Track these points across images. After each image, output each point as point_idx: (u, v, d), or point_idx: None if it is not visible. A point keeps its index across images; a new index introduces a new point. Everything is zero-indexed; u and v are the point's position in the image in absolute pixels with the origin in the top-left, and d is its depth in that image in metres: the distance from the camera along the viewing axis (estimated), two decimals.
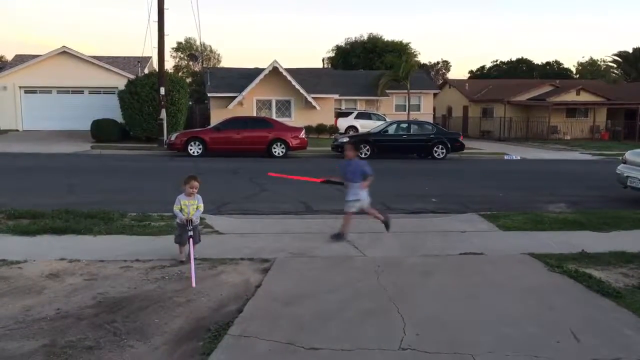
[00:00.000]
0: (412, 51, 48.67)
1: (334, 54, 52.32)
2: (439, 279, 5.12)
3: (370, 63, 45.17)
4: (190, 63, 55.52)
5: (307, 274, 5.22)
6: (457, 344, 3.65)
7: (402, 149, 20.67)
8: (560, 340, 3.75)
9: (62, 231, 6.58)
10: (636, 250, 6.08)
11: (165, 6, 20.95)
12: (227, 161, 17.13)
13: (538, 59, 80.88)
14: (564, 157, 23.05)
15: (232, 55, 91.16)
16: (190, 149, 18.76)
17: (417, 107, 35.43)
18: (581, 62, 67.91)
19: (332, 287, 4.80)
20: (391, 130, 21.05)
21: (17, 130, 26.94)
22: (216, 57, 59.27)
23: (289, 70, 28.39)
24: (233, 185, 12.04)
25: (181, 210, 5.39)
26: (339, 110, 31.31)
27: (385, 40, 48.84)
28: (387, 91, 34.01)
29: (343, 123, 29.58)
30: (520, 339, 3.76)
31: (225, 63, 56.97)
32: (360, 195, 6.54)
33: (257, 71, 29.26)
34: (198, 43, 51.81)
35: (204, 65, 47.30)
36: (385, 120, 27.81)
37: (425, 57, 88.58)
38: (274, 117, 26.55)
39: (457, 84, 44.47)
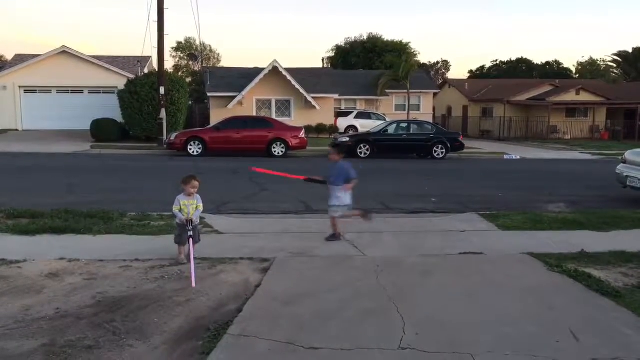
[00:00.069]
0: (412, 51, 48.67)
1: (333, 54, 52.31)
2: (439, 279, 5.12)
3: (370, 63, 45.16)
4: (190, 63, 55.52)
5: (306, 274, 5.22)
6: (457, 343, 3.65)
7: (402, 148, 20.67)
8: (559, 339, 3.75)
9: (61, 231, 6.58)
10: (636, 250, 6.09)
11: (165, 6, 20.96)
12: (226, 161, 17.12)
13: (538, 58, 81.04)
14: (564, 157, 23.05)
15: (232, 55, 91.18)
16: (190, 149, 18.76)
17: (417, 107, 35.42)
18: (581, 62, 67.99)
19: (332, 287, 4.80)
20: (391, 130, 21.05)
21: (16, 130, 26.92)
22: (216, 56, 59.31)
23: (288, 70, 28.38)
24: (233, 184, 12.05)
25: (180, 210, 5.38)
26: (338, 110, 31.30)
27: (385, 40, 48.84)
28: (387, 91, 33.99)
29: (343, 123, 29.58)
30: (519, 338, 3.76)
31: (225, 63, 57.01)
32: (342, 199, 6.47)
33: (256, 71, 29.25)
34: (198, 43, 51.85)
35: (203, 65, 47.29)
36: (385, 120, 27.80)
37: (425, 56, 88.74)
38: (273, 116, 26.53)
39: (457, 83, 44.46)
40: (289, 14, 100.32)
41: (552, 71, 59.84)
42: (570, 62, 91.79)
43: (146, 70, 30.02)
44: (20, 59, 29.79)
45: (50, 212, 7.39)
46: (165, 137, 20.65)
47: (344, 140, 20.79)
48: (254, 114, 27.17)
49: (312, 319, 4.07)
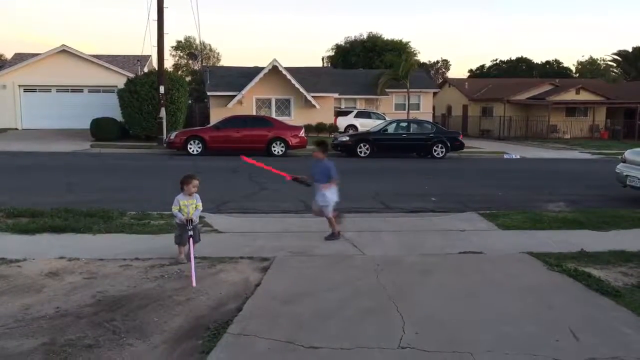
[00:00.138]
0: (412, 50, 48.65)
1: (333, 53, 52.29)
2: (439, 278, 5.13)
3: (370, 62, 45.15)
4: (190, 62, 55.53)
5: (306, 273, 5.23)
6: (457, 342, 3.66)
7: (402, 148, 20.67)
8: (559, 339, 3.75)
9: (61, 230, 6.58)
10: (635, 249, 6.09)
11: (165, 5, 20.96)
12: (226, 160, 17.11)
13: (538, 58, 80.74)
14: (564, 156, 23.06)
15: (232, 54, 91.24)
16: (190, 148, 18.76)
17: (417, 106, 35.42)
18: (581, 61, 68.02)
19: (332, 286, 4.80)
20: (391, 129, 21.05)
21: (16, 129, 26.92)
22: (216, 55, 59.33)
23: (288, 69, 28.38)
24: (232, 184, 12.05)
25: (180, 210, 5.38)
26: (338, 109, 31.30)
27: (385, 39, 48.83)
28: (387, 90, 33.99)
29: (342, 122, 29.59)
30: (519, 337, 3.76)
31: (224, 62, 57.02)
32: (329, 197, 6.43)
33: (256, 70, 29.24)
34: (198, 42, 51.88)
35: (203, 64, 47.25)
36: (384, 119, 27.81)
37: (425, 56, 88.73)
38: (273, 116, 26.56)
39: (457, 83, 44.47)
40: (289, 13, 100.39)
41: (552, 70, 59.85)
42: (570, 62, 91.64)
43: (146, 69, 30.01)
44: (19, 58, 29.77)
45: (50, 211, 7.39)
46: (165, 136, 20.65)
47: (344, 139, 20.82)
48: (254, 113, 27.17)
49: (311, 318, 4.07)
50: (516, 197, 10.90)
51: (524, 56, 65.70)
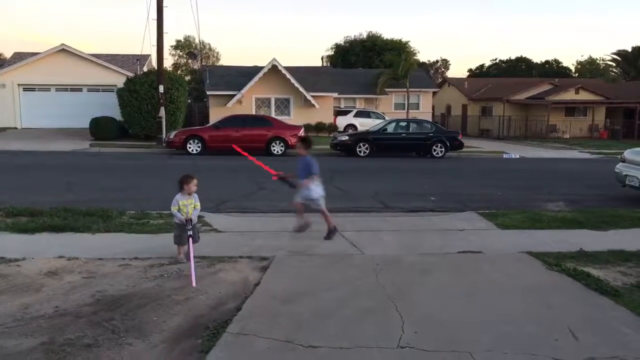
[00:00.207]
0: (412, 50, 48.68)
1: (333, 53, 52.26)
2: (438, 278, 5.13)
3: (370, 61, 45.14)
4: (189, 61, 55.48)
5: (305, 272, 5.23)
6: (456, 342, 3.66)
7: (401, 147, 20.68)
8: (558, 338, 3.75)
9: (60, 229, 6.58)
10: (634, 249, 6.09)
11: (164, 4, 20.93)
12: (226, 159, 17.11)
13: (537, 57, 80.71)
14: (563, 156, 23.07)
15: (231, 54, 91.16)
16: (189, 147, 18.75)
17: (416, 106, 35.42)
18: (580, 61, 68.04)
19: (331, 285, 4.80)
20: (390, 128, 21.05)
21: (15, 128, 26.91)
22: (215, 55, 59.28)
23: (288, 68, 28.36)
24: (232, 183, 12.04)
25: (179, 210, 5.37)
26: (338, 109, 31.30)
27: (385, 38, 48.82)
28: (386, 89, 33.99)
29: (342, 121, 29.58)
30: (518, 337, 3.77)
31: (224, 61, 56.94)
32: (315, 191, 6.49)
33: (256, 69, 29.23)
34: (197, 41, 51.83)
35: (203, 64, 47.23)
36: (384, 118, 27.81)
37: (425, 55, 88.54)
38: (273, 115, 26.54)
39: (456, 82, 44.49)
40: (289, 13, 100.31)
41: (552, 70, 59.87)
42: (569, 61, 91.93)
43: (145, 69, 30.00)
44: (19, 57, 29.74)
45: (49, 211, 7.39)
46: (164, 135, 20.64)
47: (344, 138, 20.82)
48: (253, 113, 27.16)
49: (311, 317, 4.07)
50: (515, 196, 10.90)
51: (524, 56, 65.76)
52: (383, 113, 31.15)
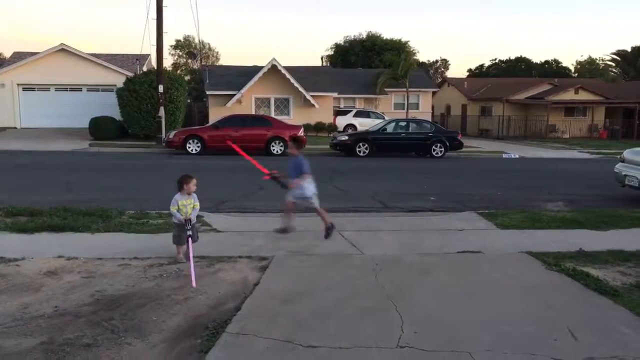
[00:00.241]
0: (411, 49, 48.68)
1: (332, 52, 52.25)
2: (437, 277, 5.13)
3: (369, 61, 45.14)
4: (189, 61, 55.46)
5: (305, 272, 5.23)
6: (455, 342, 3.66)
7: (401, 147, 20.68)
8: (557, 338, 3.75)
9: (60, 229, 6.57)
10: (634, 249, 6.10)
11: (164, 4, 20.91)
12: (225, 159, 17.09)
13: (537, 57, 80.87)
14: (563, 156, 23.08)
15: (231, 54, 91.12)
16: (189, 147, 18.75)
17: (416, 106, 35.42)
18: (580, 61, 68.07)
19: (330, 285, 4.80)
20: (390, 128, 21.05)
21: (15, 128, 26.90)
22: (215, 55, 59.26)
23: (287, 68, 28.36)
24: (231, 183, 12.04)
25: (178, 210, 5.37)
26: (337, 109, 31.30)
27: (384, 38, 48.82)
28: (386, 89, 33.99)
29: (342, 121, 29.58)
30: (518, 337, 3.77)
31: (223, 61, 56.92)
32: (309, 189, 6.48)
33: (255, 69, 29.22)
34: (197, 41, 51.83)
35: (202, 63, 47.23)
36: (384, 118, 27.81)
37: (424, 55, 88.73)
38: (272, 115, 26.53)
39: (456, 82, 44.49)
40: (288, 13, 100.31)
41: (551, 70, 59.88)
42: (569, 61, 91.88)
43: (145, 69, 30.00)
44: (18, 56, 29.72)
45: (48, 210, 7.38)
46: (163, 135, 20.63)
47: (343, 138, 20.82)
48: (253, 113, 27.15)
49: (310, 317, 4.07)
50: (515, 196, 10.90)
51: (523, 56, 65.77)
52: (383, 113, 31.15)
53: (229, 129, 19.12)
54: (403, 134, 20.68)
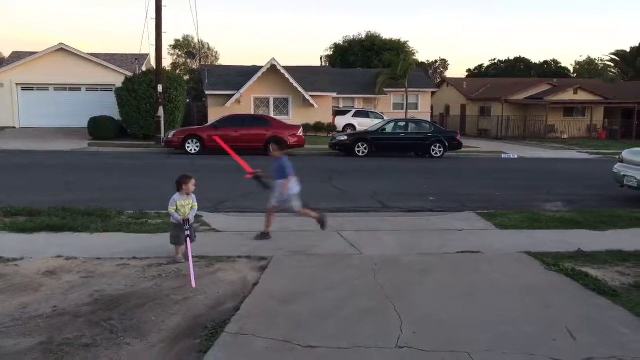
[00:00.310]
0: (410, 50, 48.77)
1: (332, 52, 52.27)
2: (436, 278, 5.13)
3: (369, 61, 45.17)
4: (188, 61, 55.45)
5: (304, 272, 5.23)
6: (454, 342, 3.66)
7: (400, 147, 20.69)
8: (556, 338, 3.75)
9: (59, 229, 6.57)
10: (632, 249, 6.10)
11: (163, 4, 20.90)
12: (224, 159, 17.00)
13: (536, 58, 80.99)
14: (561, 156, 23.10)
15: (230, 54, 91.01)
16: (188, 147, 18.73)
17: (415, 106, 35.45)
18: (579, 61, 68.11)
19: (329, 285, 4.80)
20: (389, 128, 21.06)
21: (13, 128, 26.86)
22: (214, 54, 59.28)
23: (287, 68, 28.36)
24: (230, 183, 12.02)
25: (177, 210, 5.36)
26: (336, 109, 31.31)
27: (383, 38, 48.86)
28: (385, 89, 34.01)
29: (341, 121, 29.59)
30: (516, 337, 3.77)
31: (223, 61, 56.90)
32: (291, 192, 6.37)
33: (255, 69, 29.22)
34: (196, 41, 51.83)
35: (201, 63, 47.21)
36: (383, 118, 27.83)
37: (423, 55, 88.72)
38: (271, 115, 26.54)
39: (455, 82, 44.51)
40: (288, 13, 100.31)
41: (550, 70, 59.91)
42: (568, 62, 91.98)
43: (144, 68, 29.97)
44: (17, 56, 29.69)
45: (47, 210, 7.38)
46: (163, 135, 20.62)
47: (342, 138, 20.82)
48: (252, 112, 27.15)
49: (309, 317, 4.07)
50: (514, 196, 10.91)
51: (522, 56, 65.84)
52: (382, 113, 31.16)
53: (228, 129, 19.11)
54: (402, 134, 20.69)
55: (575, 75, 62.68)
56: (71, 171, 13.34)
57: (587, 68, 64.60)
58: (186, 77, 43.12)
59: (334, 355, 3.46)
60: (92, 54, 28.49)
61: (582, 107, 35.91)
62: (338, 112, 30.55)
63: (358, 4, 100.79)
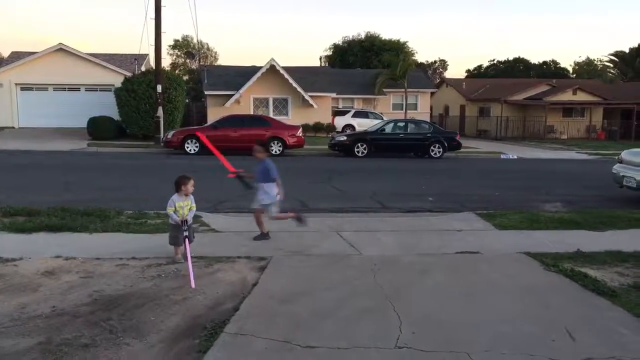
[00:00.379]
0: (410, 50, 48.83)
1: (331, 53, 52.29)
2: (436, 278, 5.13)
3: (368, 62, 45.18)
4: (188, 61, 55.43)
5: (303, 272, 5.23)
6: (453, 342, 3.66)
7: (399, 147, 20.69)
8: (556, 338, 3.76)
9: (58, 229, 6.56)
10: (631, 250, 6.11)
11: (163, 4, 20.88)
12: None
13: (535, 58, 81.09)
14: (561, 157, 23.11)
15: (230, 54, 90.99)
16: (187, 147, 18.73)
17: (415, 106, 35.45)
18: (578, 62, 68.16)
19: (329, 285, 4.80)
20: (388, 129, 21.06)
21: (13, 128, 26.84)
22: (213, 55, 59.26)
23: (286, 68, 28.36)
24: (229, 183, 11.98)
25: (175, 211, 5.36)
26: (336, 109, 31.31)
27: (383, 39, 48.87)
28: (385, 90, 34.02)
29: (340, 121, 29.59)
30: (516, 337, 3.77)
31: (222, 61, 56.90)
32: (271, 196, 6.32)
33: (254, 69, 29.22)
34: (195, 41, 51.81)
35: (201, 63, 47.21)
36: (382, 119, 27.82)
37: (423, 56, 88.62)
38: (271, 115, 26.54)
39: (454, 83, 44.52)
40: (287, 13, 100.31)
41: (549, 71, 59.94)
42: (567, 62, 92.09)
43: (143, 68, 29.98)
44: (16, 56, 29.67)
45: (46, 210, 7.37)
46: (162, 135, 20.61)
47: (342, 139, 20.82)
48: (252, 113, 27.15)
49: (308, 317, 4.07)
50: (513, 197, 10.92)
51: (521, 56, 65.82)
52: (381, 113, 31.16)
53: (228, 129, 19.11)
54: (401, 135, 20.70)
55: (574, 75, 62.73)
56: (70, 171, 13.33)
57: (586, 69, 64.66)
58: (185, 77, 43.11)
59: (334, 355, 3.46)
60: (91, 54, 28.47)
61: (581, 108, 35.93)
62: (337, 113, 30.55)
63: (358, 4, 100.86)
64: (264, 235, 6.45)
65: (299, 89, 28.09)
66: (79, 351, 3.43)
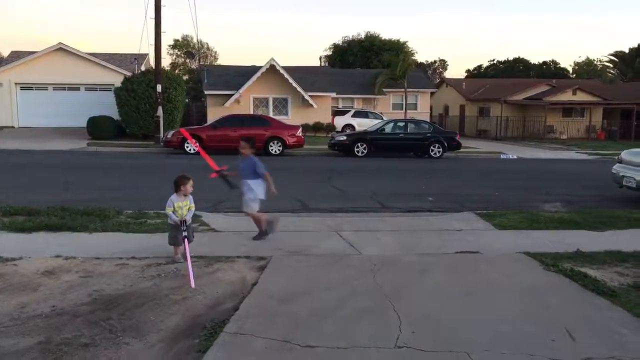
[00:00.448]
0: (409, 50, 48.82)
1: (331, 52, 52.29)
2: (435, 278, 5.13)
3: (368, 61, 45.18)
4: (187, 60, 55.42)
5: (303, 272, 5.22)
6: (453, 342, 3.66)
7: (399, 147, 20.69)
8: (555, 338, 3.76)
9: (57, 228, 6.56)
10: (631, 250, 6.11)
11: (162, 3, 20.88)
12: (223, 159, 17.02)
13: (535, 58, 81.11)
14: (560, 157, 23.11)
15: (229, 53, 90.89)
16: (187, 147, 18.72)
17: (414, 106, 35.45)
18: (578, 62, 68.18)
19: (328, 285, 4.80)
20: (388, 128, 21.06)
21: (12, 127, 26.83)
22: (213, 54, 59.25)
23: (286, 68, 28.36)
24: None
25: (174, 211, 5.36)
26: (336, 109, 31.31)
27: (383, 38, 48.87)
28: (384, 90, 34.02)
29: (340, 121, 29.59)
30: (515, 337, 3.77)
31: (222, 61, 56.86)
32: (256, 192, 6.28)
33: (254, 69, 29.22)
34: (195, 40, 51.80)
35: (200, 63, 47.20)
36: (382, 118, 27.82)
37: (423, 56, 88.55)
38: (270, 115, 26.54)
39: (454, 83, 44.53)
40: (287, 13, 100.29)
41: (549, 71, 59.95)
42: (567, 62, 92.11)
43: (143, 68, 29.97)
44: (16, 55, 29.67)
45: (46, 210, 7.37)
46: (162, 134, 20.61)
47: (342, 139, 20.82)
48: (251, 112, 27.14)
49: (308, 317, 4.07)
50: (513, 197, 10.92)
51: (521, 56, 65.83)
52: (381, 113, 31.16)
53: (227, 128, 19.09)
54: (401, 134, 20.70)
55: (574, 76, 62.74)
56: (70, 171, 13.33)
57: (586, 69, 64.68)
58: (185, 77, 43.11)
59: (333, 355, 3.46)
60: (91, 54, 28.47)
61: (581, 108, 35.94)
62: (337, 112, 30.55)
63: (358, 4, 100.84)
64: (263, 235, 6.45)
65: (298, 88, 28.09)
66: (78, 350, 3.43)
